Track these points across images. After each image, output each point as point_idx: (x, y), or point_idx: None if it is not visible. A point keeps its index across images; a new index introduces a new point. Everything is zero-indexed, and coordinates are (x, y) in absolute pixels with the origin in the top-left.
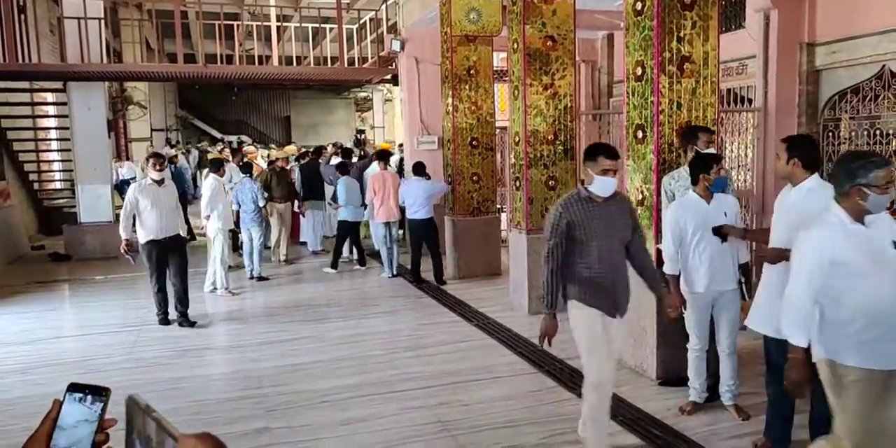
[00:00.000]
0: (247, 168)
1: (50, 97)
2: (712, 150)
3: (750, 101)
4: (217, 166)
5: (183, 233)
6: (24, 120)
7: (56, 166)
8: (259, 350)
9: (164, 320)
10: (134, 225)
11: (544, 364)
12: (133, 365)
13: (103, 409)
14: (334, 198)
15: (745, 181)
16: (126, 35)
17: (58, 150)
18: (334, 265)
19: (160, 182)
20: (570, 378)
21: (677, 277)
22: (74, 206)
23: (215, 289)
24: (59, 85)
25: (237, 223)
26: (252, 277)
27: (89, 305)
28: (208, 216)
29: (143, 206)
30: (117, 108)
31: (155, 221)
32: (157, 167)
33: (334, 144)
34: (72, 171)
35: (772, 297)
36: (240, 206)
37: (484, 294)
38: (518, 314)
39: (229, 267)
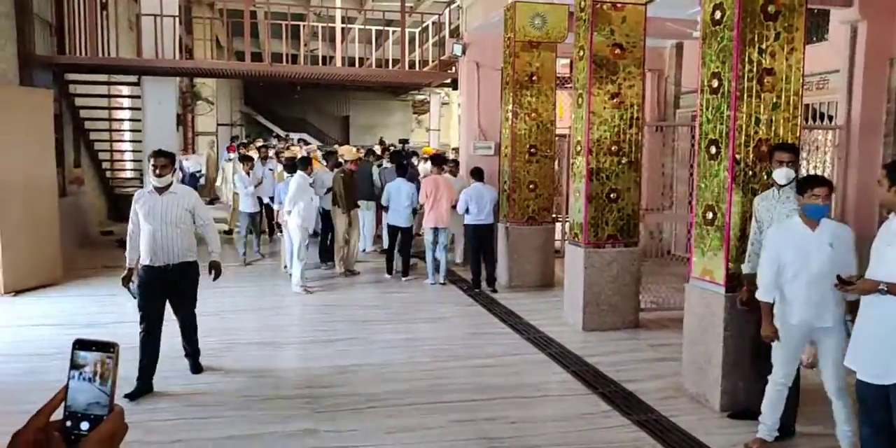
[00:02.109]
0: (291, 168)
1: (125, 90)
2: (783, 171)
3: (830, 117)
4: (305, 164)
5: (193, 257)
6: (101, 111)
7: (127, 156)
8: (308, 348)
9: (138, 391)
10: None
11: (598, 386)
12: (182, 355)
13: (113, 380)
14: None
15: None
16: (198, 32)
17: (130, 141)
18: (389, 270)
19: (162, 189)
20: (625, 402)
21: (771, 305)
22: None
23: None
24: (134, 79)
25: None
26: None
27: None
28: (289, 211)
29: (140, 219)
30: (186, 102)
31: (148, 240)
32: (157, 171)
33: (381, 144)
34: (141, 161)
35: (869, 336)
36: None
37: (536, 306)
38: (571, 330)
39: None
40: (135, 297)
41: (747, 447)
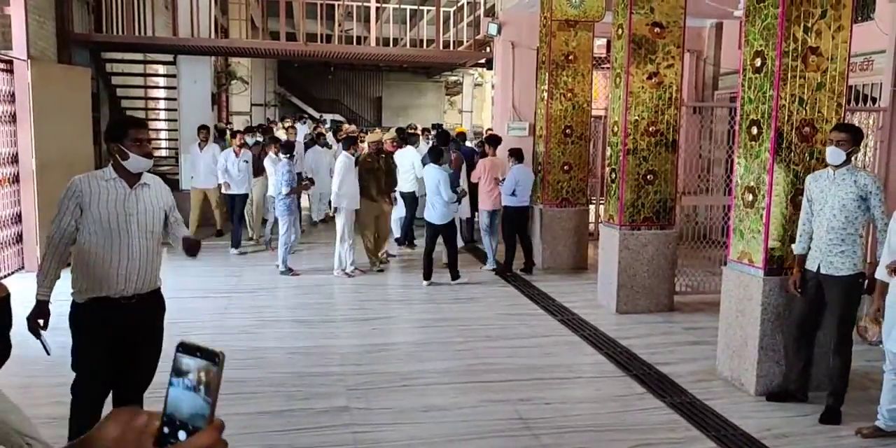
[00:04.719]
0: (288, 148)
1: (161, 69)
2: (831, 150)
3: (874, 99)
4: (348, 144)
5: (159, 283)
6: (137, 90)
7: (163, 135)
8: (342, 327)
9: None
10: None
11: (632, 368)
12: (221, 332)
13: (216, 389)
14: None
15: None
16: (233, 13)
17: (165, 120)
18: (456, 276)
19: (135, 179)
20: (659, 385)
21: (886, 285)
22: (177, 174)
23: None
24: (169, 58)
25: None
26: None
27: (184, 269)
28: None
29: (86, 226)
30: (221, 82)
31: (109, 259)
32: (147, 146)
33: (426, 130)
34: (177, 140)
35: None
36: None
37: (569, 288)
38: (604, 312)
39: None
40: (49, 352)
41: (859, 432)
